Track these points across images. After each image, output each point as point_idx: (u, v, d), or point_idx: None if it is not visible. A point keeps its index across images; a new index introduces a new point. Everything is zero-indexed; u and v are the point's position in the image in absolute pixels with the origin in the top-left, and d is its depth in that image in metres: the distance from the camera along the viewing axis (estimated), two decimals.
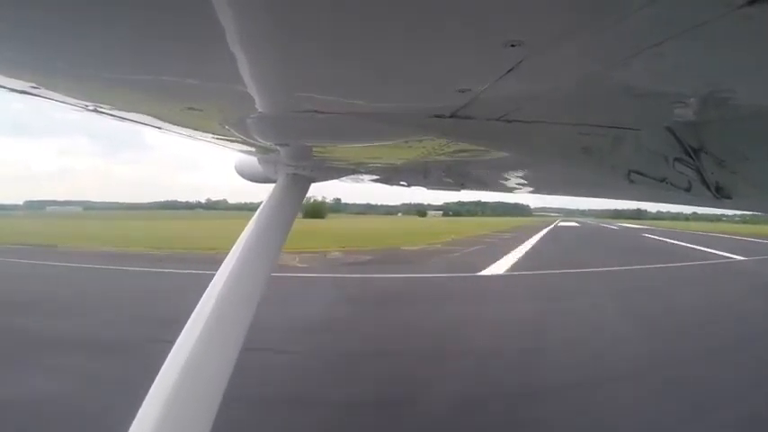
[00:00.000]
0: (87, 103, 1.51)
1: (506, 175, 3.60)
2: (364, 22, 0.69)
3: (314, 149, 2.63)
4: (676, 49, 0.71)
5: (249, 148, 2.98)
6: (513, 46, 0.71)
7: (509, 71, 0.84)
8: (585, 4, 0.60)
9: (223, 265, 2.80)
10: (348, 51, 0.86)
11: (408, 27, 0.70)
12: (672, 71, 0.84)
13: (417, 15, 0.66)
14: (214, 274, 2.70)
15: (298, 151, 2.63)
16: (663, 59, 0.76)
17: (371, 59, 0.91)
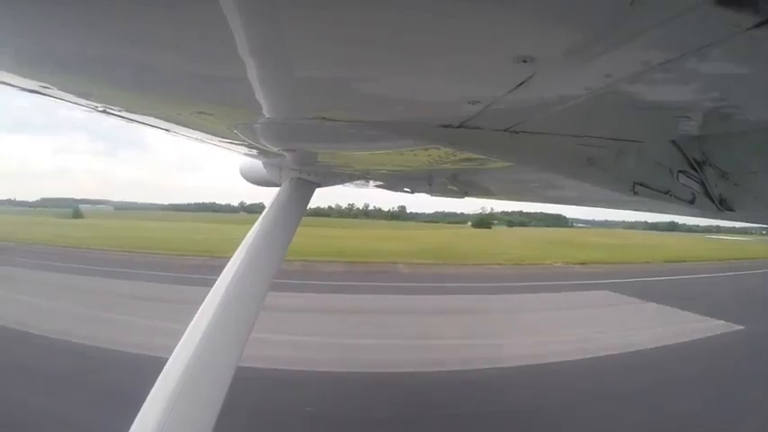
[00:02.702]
0: (97, 105, 1.54)
1: (511, 184, 3.61)
2: (376, 32, 0.71)
3: (320, 155, 2.65)
4: (683, 67, 0.73)
5: (255, 152, 3.01)
6: (524, 62, 0.73)
7: (519, 85, 0.86)
8: (596, 22, 0.62)
9: (227, 266, 2.81)
10: (358, 61, 0.88)
11: (421, 40, 0.72)
12: (678, 87, 0.86)
13: (431, 29, 0.67)
14: None
15: (304, 156, 2.65)
16: (670, 76, 0.78)
17: (382, 70, 0.93)
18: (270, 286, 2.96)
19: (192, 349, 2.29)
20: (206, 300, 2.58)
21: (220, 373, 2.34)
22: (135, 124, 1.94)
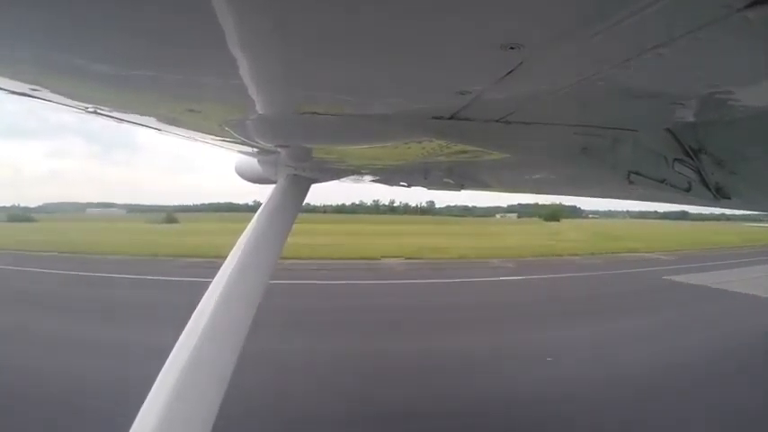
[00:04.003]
0: (88, 105, 1.52)
1: (507, 176, 3.60)
2: (364, 24, 0.69)
3: (314, 151, 2.63)
4: (676, 51, 0.71)
5: (249, 149, 2.98)
6: (512, 48, 0.71)
7: (508, 73, 0.84)
8: (584, 6, 0.60)
9: (224, 265, 2.79)
10: (348, 54, 0.86)
11: (408, 30, 0.70)
12: (671, 73, 0.84)
13: (416, 18, 0.66)
14: None
15: (298, 152, 2.63)
16: (662, 61, 0.76)
17: (371, 62, 0.91)
18: (267, 284, 2.95)
19: (191, 348, 2.29)
20: (203, 298, 2.57)
21: (219, 371, 2.33)
22: (126, 125, 1.92)
